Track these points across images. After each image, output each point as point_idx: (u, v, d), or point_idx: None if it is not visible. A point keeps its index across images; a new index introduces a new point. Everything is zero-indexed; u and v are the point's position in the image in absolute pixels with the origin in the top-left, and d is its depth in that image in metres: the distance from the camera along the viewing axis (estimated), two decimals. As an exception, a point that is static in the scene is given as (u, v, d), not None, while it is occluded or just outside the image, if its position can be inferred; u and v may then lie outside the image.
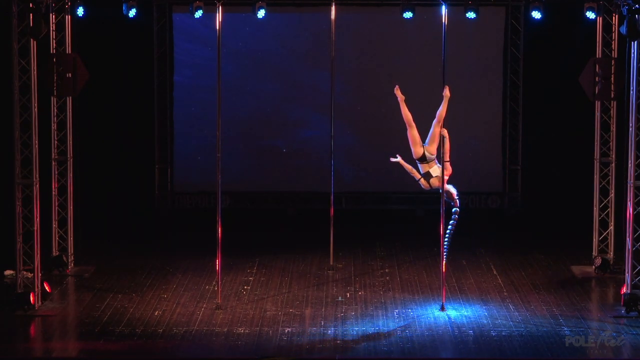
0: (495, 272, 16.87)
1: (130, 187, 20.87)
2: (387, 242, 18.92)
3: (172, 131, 21.14)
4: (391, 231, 19.99)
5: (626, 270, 14.85)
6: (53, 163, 16.65)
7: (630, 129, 14.72)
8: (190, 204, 21.23)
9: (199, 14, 15.84)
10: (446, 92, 14.76)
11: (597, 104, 16.61)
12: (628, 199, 14.79)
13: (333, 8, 16.77)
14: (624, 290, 14.92)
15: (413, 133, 14.84)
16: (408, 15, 16.21)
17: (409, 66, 20.61)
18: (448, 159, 14.70)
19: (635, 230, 14.77)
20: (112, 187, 20.68)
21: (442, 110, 14.75)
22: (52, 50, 16.23)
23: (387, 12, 19.79)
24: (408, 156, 15.00)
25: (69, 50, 16.46)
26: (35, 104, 14.86)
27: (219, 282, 15.02)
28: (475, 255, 17.86)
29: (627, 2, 14.59)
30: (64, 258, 16.79)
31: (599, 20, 16.29)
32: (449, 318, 14.46)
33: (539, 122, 21.02)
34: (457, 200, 14.92)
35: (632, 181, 14.74)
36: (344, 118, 20.31)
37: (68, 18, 16.46)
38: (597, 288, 16.07)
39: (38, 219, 14.92)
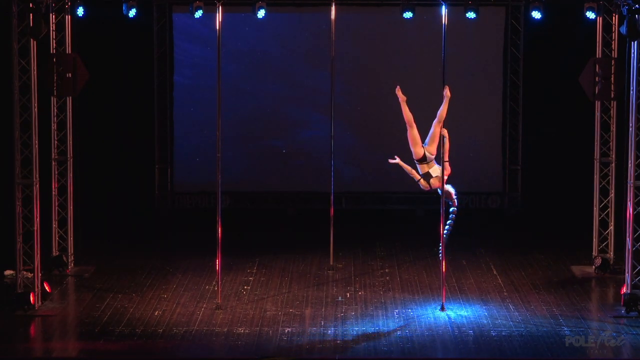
0: (495, 272, 16.87)
1: (130, 187, 20.88)
2: (387, 242, 18.92)
3: (172, 131, 21.15)
4: (391, 231, 19.99)
5: (626, 270, 14.85)
6: (53, 163, 16.65)
7: (630, 129, 14.72)
8: (190, 204, 21.23)
9: (199, 14, 15.84)
10: (447, 92, 14.76)
11: (597, 104, 16.61)
12: (628, 199, 14.79)
13: (333, 8, 16.77)
14: (624, 290, 14.92)
15: (414, 133, 14.82)
16: (408, 15, 16.21)
17: (409, 66, 20.61)
18: (447, 159, 14.70)
19: (635, 230, 14.77)
20: (112, 187, 20.69)
21: (442, 110, 14.74)
22: (52, 50, 16.23)
23: (387, 12, 19.80)
24: (407, 157, 14.98)
25: (69, 50, 16.46)
26: (35, 104, 14.86)
27: (219, 282, 15.01)
28: (475, 255, 17.86)
29: (627, 2, 14.59)
30: (64, 258, 16.79)
31: (599, 20, 16.29)
32: (449, 318, 14.46)
33: (539, 122, 21.03)
34: (455, 200, 14.91)
35: (632, 181, 14.74)
36: (344, 118, 20.32)
37: (68, 18, 16.46)
38: (597, 288, 16.07)
39: (38, 219, 14.92)
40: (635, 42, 14.56)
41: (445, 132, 14.68)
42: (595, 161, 16.75)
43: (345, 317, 14.55)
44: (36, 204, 14.88)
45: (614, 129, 16.56)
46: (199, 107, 20.88)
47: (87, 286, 16.08)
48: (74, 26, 16.58)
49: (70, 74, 15.90)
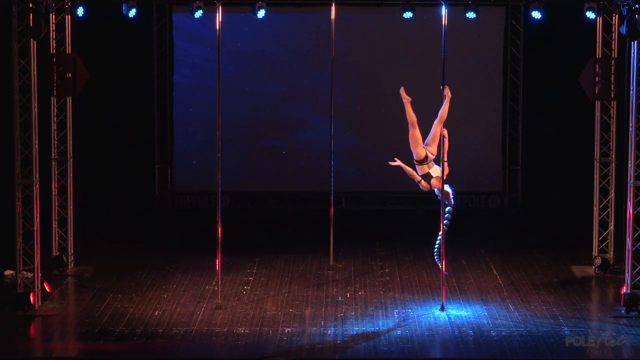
0: (495, 272, 16.87)
1: (130, 187, 20.88)
2: (387, 242, 18.92)
3: (172, 131, 21.15)
4: (391, 231, 19.99)
5: (626, 270, 14.85)
6: (53, 163, 16.65)
7: (630, 129, 14.72)
8: (190, 204, 21.24)
9: (199, 14, 15.84)
10: (447, 92, 14.75)
11: (597, 104, 16.60)
12: (628, 199, 14.79)
13: (333, 8, 16.77)
14: (624, 290, 14.92)
15: (416, 134, 14.76)
16: (408, 15, 16.21)
17: (409, 66, 20.61)
18: (446, 159, 14.69)
19: (635, 230, 14.77)
20: (112, 187, 20.69)
21: (444, 111, 14.72)
22: (52, 50, 16.23)
23: (387, 12, 19.80)
24: (406, 157, 14.95)
25: (69, 50, 16.46)
26: (35, 104, 14.86)
27: (219, 282, 15.01)
28: (475, 255, 17.86)
29: (627, 2, 14.59)
30: (64, 258, 16.79)
31: (599, 20, 16.29)
32: (449, 318, 14.46)
33: (539, 122, 21.03)
34: (452, 200, 14.89)
35: (632, 181, 14.75)
36: (344, 118, 20.32)
37: (68, 18, 16.46)
38: (597, 288, 16.07)
39: (38, 219, 14.92)
40: (635, 42, 14.56)
41: (445, 132, 14.68)
42: (595, 161, 16.75)
43: (345, 317, 14.55)
44: (36, 204, 14.88)
45: (614, 129, 16.56)
46: (199, 107, 20.89)
47: (87, 286, 16.08)
48: (74, 26, 16.58)
49: (70, 74, 15.90)
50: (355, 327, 14.14)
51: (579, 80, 16.40)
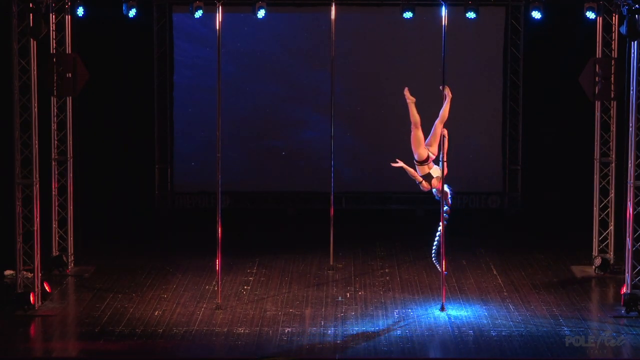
0: (495, 272, 16.87)
1: (130, 187, 20.88)
2: (387, 242, 18.92)
3: (172, 131, 21.16)
4: (391, 231, 19.99)
5: (626, 270, 14.85)
6: (53, 163, 16.65)
7: (630, 129, 14.72)
8: (190, 204, 21.24)
9: (199, 14, 15.84)
10: (447, 92, 14.74)
11: (597, 104, 16.60)
12: (628, 199, 14.79)
13: (333, 8, 16.76)
14: (624, 290, 14.92)
15: (419, 135, 14.71)
16: (408, 15, 16.21)
17: (409, 66, 20.61)
18: (445, 159, 14.69)
19: (635, 230, 14.77)
20: (112, 187, 20.69)
21: (445, 110, 14.70)
22: (52, 50, 16.22)
23: (387, 12, 19.80)
24: (406, 158, 14.92)
25: (69, 50, 16.46)
26: (35, 104, 14.86)
27: (219, 282, 15.01)
28: (475, 255, 17.86)
29: (627, 2, 14.59)
30: (64, 258, 16.79)
31: (599, 20, 16.29)
32: (449, 318, 14.46)
33: (539, 122, 21.03)
34: (449, 200, 14.88)
35: (632, 181, 14.75)
36: (343, 118, 20.32)
37: (68, 18, 16.46)
38: (597, 288, 16.07)
39: (38, 219, 14.92)
40: (635, 42, 14.56)
41: (445, 132, 14.67)
42: (595, 161, 16.75)
43: (345, 317, 14.55)
44: (36, 204, 14.88)
45: (614, 129, 16.56)
46: (199, 107, 20.89)
47: (87, 286, 16.08)
48: (74, 26, 16.57)
49: (70, 74, 15.90)
50: (355, 327, 14.14)
51: (579, 80, 16.40)
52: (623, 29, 14.65)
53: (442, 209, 14.77)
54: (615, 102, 16.47)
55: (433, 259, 15.02)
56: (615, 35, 16.28)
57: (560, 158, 20.78)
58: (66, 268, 16.77)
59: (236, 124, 20.64)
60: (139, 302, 15.22)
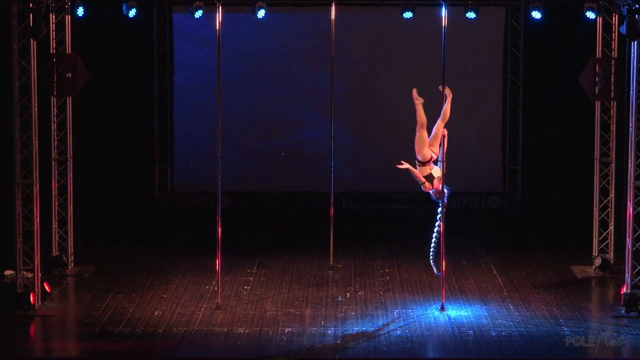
0: (495, 272, 16.87)
1: (130, 187, 20.88)
2: (387, 242, 18.91)
3: (172, 131, 21.16)
4: (391, 231, 19.99)
5: (626, 270, 14.85)
6: (53, 163, 16.65)
7: (630, 129, 14.73)
8: (190, 204, 21.24)
9: (199, 14, 15.84)
10: (448, 92, 14.73)
11: (597, 104, 16.61)
12: (628, 199, 14.79)
13: (333, 8, 16.76)
14: (624, 290, 14.92)
15: (423, 135, 14.66)
16: (408, 15, 16.21)
17: (408, 66, 20.60)
18: (445, 159, 14.68)
19: (635, 230, 14.77)
20: (112, 187, 20.69)
21: (446, 110, 14.68)
22: (52, 50, 16.23)
23: (387, 12, 19.80)
24: (406, 158, 14.91)
25: (69, 50, 16.46)
26: (35, 104, 14.86)
27: (219, 282, 15.02)
28: (475, 255, 17.86)
29: (627, 2, 14.59)
30: (64, 258, 16.79)
31: (599, 20, 16.29)
32: (449, 318, 14.46)
33: (539, 122, 21.03)
34: (445, 200, 14.84)
35: (632, 181, 14.75)
36: (344, 118, 20.32)
37: (68, 18, 16.46)
38: (597, 288, 16.07)
39: (38, 219, 14.92)
40: (635, 42, 14.56)
41: (445, 132, 14.67)
42: (595, 161, 16.75)
43: (345, 317, 14.55)
44: (36, 204, 14.88)
45: (614, 129, 16.56)
46: (199, 107, 20.89)
47: (87, 286, 16.08)
48: (74, 26, 16.57)
49: (70, 74, 15.90)
50: (355, 327, 14.14)
51: (579, 80, 16.40)
52: (623, 29, 14.65)
53: (442, 209, 14.76)
54: (615, 102, 16.47)
55: (431, 261, 15.03)
56: (615, 35, 16.28)
57: (560, 158, 20.78)
58: (66, 268, 16.77)
59: (236, 124, 20.64)
60: (139, 302, 15.22)
